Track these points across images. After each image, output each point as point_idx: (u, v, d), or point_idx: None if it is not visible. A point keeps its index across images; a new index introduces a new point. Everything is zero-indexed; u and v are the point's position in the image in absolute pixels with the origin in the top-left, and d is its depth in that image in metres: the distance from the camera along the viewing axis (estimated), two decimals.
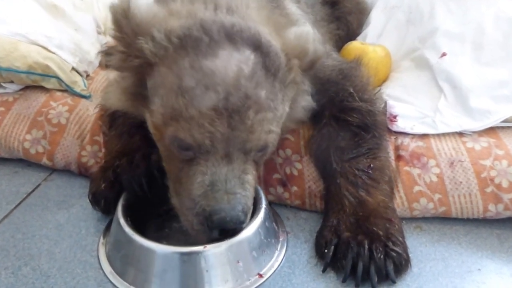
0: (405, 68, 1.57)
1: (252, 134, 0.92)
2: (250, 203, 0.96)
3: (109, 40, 1.81)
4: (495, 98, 1.32)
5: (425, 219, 1.21)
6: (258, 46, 0.94)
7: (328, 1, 1.86)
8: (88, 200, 1.17)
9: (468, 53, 1.44)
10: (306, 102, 1.14)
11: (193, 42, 0.91)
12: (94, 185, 1.16)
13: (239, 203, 0.92)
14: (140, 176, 1.08)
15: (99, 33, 1.77)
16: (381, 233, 1.03)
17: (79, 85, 1.41)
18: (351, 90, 1.21)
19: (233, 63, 0.90)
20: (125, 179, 1.09)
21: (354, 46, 1.60)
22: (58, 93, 1.41)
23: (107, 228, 1.11)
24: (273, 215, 1.15)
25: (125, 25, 0.95)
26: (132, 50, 0.95)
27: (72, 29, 1.60)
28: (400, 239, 1.04)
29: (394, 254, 1.00)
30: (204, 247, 0.94)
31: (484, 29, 1.47)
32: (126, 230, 0.98)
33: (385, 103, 1.33)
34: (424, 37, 1.56)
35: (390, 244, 1.01)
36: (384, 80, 1.56)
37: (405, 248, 1.03)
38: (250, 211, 0.98)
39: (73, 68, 1.44)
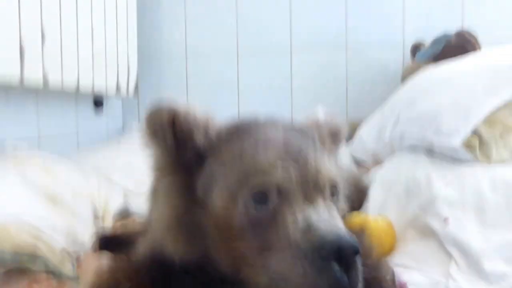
0: (409, 237, 1.51)
1: (320, 168, 0.91)
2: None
3: (106, 225, 1.82)
4: (509, 260, 1.24)
5: None
6: (292, 125, 1.05)
7: None
8: None
9: (472, 218, 1.40)
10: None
11: (243, 128, 1.01)
12: None
13: (342, 228, 0.84)
14: None
15: (96, 218, 1.77)
16: None
17: (67, 266, 1.34)
18: None
19: (279, 129, 0.99)
20: None
21: (355, 219, 1.57)
22: (43, 275, 1.32)
23: None
24: None
25: (181, 122, 0.99)
26: (181, 147, 0.99)
27: (68, 214, 1.60)
28: None
29: None
30: None
31: (483, 194, 1.45)
32: None
33: (392, 272, 1.25)
34: (425, 206, 1.54)
35: None
36: (390, 252, 1.49)
37: None
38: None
39: (62, 250, 1.38)
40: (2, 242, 1.30)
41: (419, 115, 1.93)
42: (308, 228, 0.84)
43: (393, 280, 1.21)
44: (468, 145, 1.65)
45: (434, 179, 1.62)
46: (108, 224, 1.83)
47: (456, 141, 1.65)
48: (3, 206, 1.44)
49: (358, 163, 2.66)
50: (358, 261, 0.84)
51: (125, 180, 2.37)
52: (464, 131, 1.66)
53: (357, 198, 1.91)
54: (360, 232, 1.30)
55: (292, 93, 3.76)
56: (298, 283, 0.83)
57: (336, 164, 1.06)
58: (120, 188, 2.24)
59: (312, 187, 0.90)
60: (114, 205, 1.99)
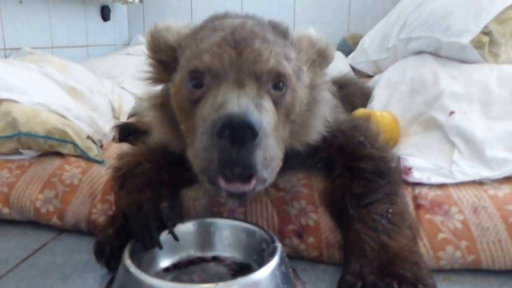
0: (413, 132, 1.57)
1: (260, 56, 0.94)
2: (265, 123, 0.88)
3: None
4: (510, 148, 1.30)
5: (454, 270, 1.12)
6: (265, 20, 1.08)
7: (335, 83, 1.94)
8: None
9: (477, 110, 1.45)
10: (327, 110, 1.17)
11: (210, 19, 1.07)
12: (101, 233, 1.13)
13: (251, 112, 0.84)
14: (148, 221, 1.05)
15: (113, 116, 1.84)
16: (409, 275, 0.95)
17: (93, 151, 1.44)
18: (361, 139, 1.22)
19: (240, 19, 1.03)
20: (133, 224, 1.06)
21: (360, 112, 1.62)
22: (73, 158, 1.43)
23: (111, 280, 1.05)
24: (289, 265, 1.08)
25: (163, 31, 1.08)
26: (163, 48, 1.08)
27: (89, 109, 1.67)
28: (431, 281, 0.95)
29: None
30: (216, 284, 0.86)
31: (489, 88, 1.49)
32: (132, 270, 0.91)
33: (398, 157, 1.32)
34: (430, 101, 1.59)
35: (420, 286, 0.92)
36: (394, 143, 1.55)
37: None
38: (265, 133, 0.88)
39: (88, 136, 1.47)
40: (34, 125, 1.39)
41: (428, 17, 1.94)
42: (217, 108, 0.87)
43: (398, 161, 1.29)
44: (477, 42, 1.66)
45: (441, 76, 1.66)
46: (124, 120, 1.91)
47: (466, 39, 1.66)
48: (32, 95, 1.51)
49: (359, 73, 2.69)
50: (255, 141, 0.84)
51: (135, 88, 2.42)
52: (475, 30, 1.67)
53: (360, 100, 1.98)
54: (365, 118, 1.37)
55: (295, 5, 3.71)
56: (201, 157, 0.91)
57: (306, 64, 1.09)
58: (130, 94, 2.30)
59: (247, 73, 0.93)
60: (127, 106, 2.06)
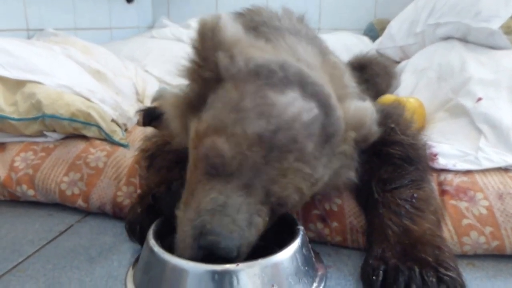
0: (440, 118, 1.56)
1: (283, 178, 0.89)
2: (246, 247, 0.90)
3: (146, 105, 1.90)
4: None
5: (477, 256, 1.12)
6: (324, 105, 0.94)
7: (357, 66, 1.92)
8: (121, 237, 1.16)
9: (505, 97, 1.43)
10: (349, 176, 1.08)
11: (267, 72, 0.93)
12: (131, 212, 1.14)
13: (239, 238, 0.86)
14: (177, 201, 1.04)
15: (137, 99, 1.85)
16: (430, 259, 0.95)
17: (118, 134, 1.44)
18: (393, 126, 1.20)
19: (296, 105, 0.90)
20: (162, 204, 1.07)
21: (387, 98, 1.61)
22: (98, 141, 1.44)
23: (136, 260, 1.06)
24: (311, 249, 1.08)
25: (209, 38, 0.98)
26: (208, 63, 0.98)
27: (113, 92, 1.67)
28: (453, 264, 0.95)
29: (447, 278, 0.91)
30: (237, 265, 0.87)
31: None
32: (155, 250, 0.93)
33: (425, 143, 1.30)
34: (457, 88, 1.57)
35: (442, 270, 0.93)
36: (420, 129, 1.53)
37: (459, 274, 0.94)
38: (244, 255, 0.91)
39: (113, 120, 1.48)
40: (58, 108, 1.40)
41: (457, 2, 1.91)
42: (217, 214, 0.86)
43: (427, 151, 1.27)
44: (507, 28, 1.64)
45: (468, 62, 1.64)
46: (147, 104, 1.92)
47: (496, 24, 1.64)
48: (56, 76, 1.52)
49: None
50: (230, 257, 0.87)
51: (158, 70, 2.43)
52: (505, 15, 1.65)
53: (384, 81, 1.96)
54: (400, 106, 1.34)
55: None
56: (179, 239, 0.91)
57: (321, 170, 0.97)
58: (154, 77, 2.31)
59: (261, 185, 0.88)
60: (151, 90, 2.07)
